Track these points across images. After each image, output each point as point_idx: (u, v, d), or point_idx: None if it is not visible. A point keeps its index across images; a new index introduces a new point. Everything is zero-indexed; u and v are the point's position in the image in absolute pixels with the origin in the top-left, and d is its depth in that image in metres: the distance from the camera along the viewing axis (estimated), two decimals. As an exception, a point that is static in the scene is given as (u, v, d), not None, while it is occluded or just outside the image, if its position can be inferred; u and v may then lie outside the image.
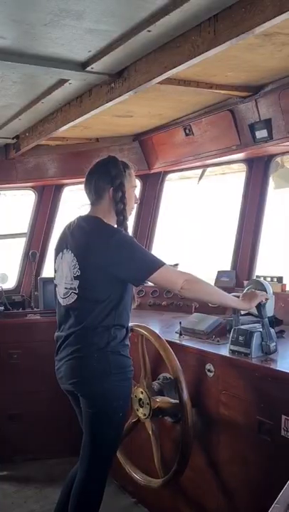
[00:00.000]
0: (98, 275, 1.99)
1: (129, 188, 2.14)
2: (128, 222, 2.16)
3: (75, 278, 2.01)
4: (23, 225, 4.17)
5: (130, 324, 2.27)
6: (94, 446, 2.06)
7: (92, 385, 2.01)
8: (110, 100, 2.31)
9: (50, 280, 3.14)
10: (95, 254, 1.99)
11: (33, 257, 4.01)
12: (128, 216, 2.15)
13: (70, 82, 2.30)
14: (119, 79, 2.22)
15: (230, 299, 2.20)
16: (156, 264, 2.01)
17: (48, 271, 4.03)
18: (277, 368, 2.03)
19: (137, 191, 3.92)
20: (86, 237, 2.06)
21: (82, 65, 2.12)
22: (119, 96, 2.25)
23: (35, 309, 3.78)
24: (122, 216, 2.10)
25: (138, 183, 2.25)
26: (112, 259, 1.97)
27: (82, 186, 2.17)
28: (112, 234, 2.03)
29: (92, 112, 2.51)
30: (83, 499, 2.08)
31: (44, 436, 3.32)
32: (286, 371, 1.97)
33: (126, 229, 2.11)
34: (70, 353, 2.05)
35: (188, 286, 2.03)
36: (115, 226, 2.11)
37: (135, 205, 2.26)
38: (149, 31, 1.77)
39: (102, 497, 2.10)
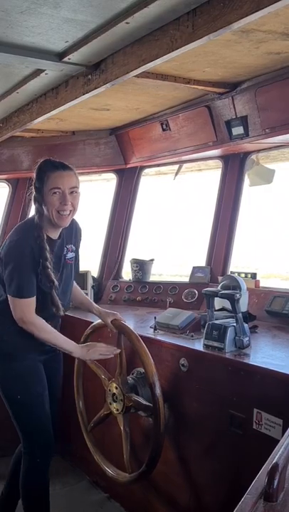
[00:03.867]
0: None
1: (47, 191, 2.15)
2: (56, 229, 2.24)
3: None
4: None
5: (110, 320, 2.42)
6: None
7: None
8: (87, 92, 2.29)
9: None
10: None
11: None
12: (54, 220, 2.17)
13: (46, 72, 2.26)
14: (96, 71, 2.19)
15: (66, 343, 2.26)
16: (14, 293, 2.15)
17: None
18: (250, 362, 2.05)
19: (113, 186, 3.95)
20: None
21: (59, 56, 2.09)
22: (96, 88, 2.23)
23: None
24: (38, 220, 2.18)
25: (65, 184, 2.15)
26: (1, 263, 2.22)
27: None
28: (8, 239, 2.22)
29: (69, 104, 2.48)
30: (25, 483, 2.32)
31: None
32: (259, 365, 2.00)
33: (39, 237, 2.15)
34: None
35: (25, 325, 2.17)
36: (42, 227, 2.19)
37: (68, 208, 2.18)
38: (127, 23, 1.76)
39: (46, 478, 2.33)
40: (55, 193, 2.15)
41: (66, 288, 2.36)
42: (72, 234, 2.38)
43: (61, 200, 2.15)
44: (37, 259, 2.15)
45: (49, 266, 2.17)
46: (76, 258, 2.43)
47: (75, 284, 2.51)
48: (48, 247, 2.17)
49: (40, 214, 2.18)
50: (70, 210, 2.18)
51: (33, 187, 2.20)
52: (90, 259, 3.59)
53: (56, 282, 2.21)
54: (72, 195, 2.18)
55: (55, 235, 2.27)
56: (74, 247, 2.37)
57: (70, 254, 2.34)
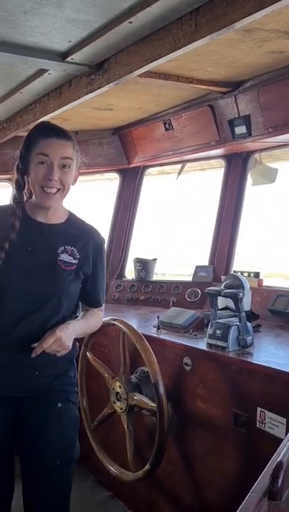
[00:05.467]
0: None
1: (32, 159, 1.74)
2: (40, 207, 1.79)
3: None
4: None
5: (112, 318, 2.35)
6: None
7: None
8: (90, 92, 2.29)
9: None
10: None
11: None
12: (38, 199, 1.76)
13: (49, 72, 2.27)
14: (100, 70, 2.20)
15: None
16: None
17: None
18: (254, 361, 2.05)
19: (116, 185, 3.95)
20: None
21: (62, 56, 2.10)
22: (99, 88, 2.23)
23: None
24: (16, 194, 1.80)
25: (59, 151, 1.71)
26: None
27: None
28: None
29: (72, 104, 2.48)
30: None
31: None
32: (262, 364, 2.00)
33: (5, 211, 1.77)
34: None
35: None
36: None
37: (54, 185, 1.72)
38: (130, 23, 1.76)
39: None
40: (41, 162, 1.71)
41: (35, 304, 1.74)
42: (81, 240, 1.84)
43: (47, 173, 1.71)
44: None
45: (8, 235, 1.71)
46: (84, 275, 1.84)
47: (89, 314, 1.95)
48: (17, 224, 1.73)
49: (20, 187, 1.78)
50: (58, 189, 1.73)
51: (18, 153, 1.80)
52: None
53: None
54: (63, 169, 1.73)
55: (45, 218, 1.82)
56: (78, 255, 1.81)
57: (67, 258, 1.79)
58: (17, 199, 1.80)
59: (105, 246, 1.97)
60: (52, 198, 1.74)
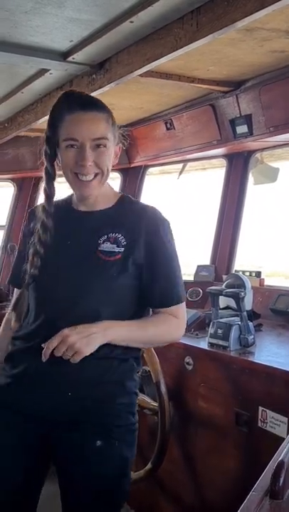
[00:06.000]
0: None
1: (61, 143, 1.44)
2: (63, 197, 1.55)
3: None
4: (1, 217, 4.12)
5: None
6: None
7: None
8: (91, 92, 2.29)
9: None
10: None
11: (11, 250, 3.97)
12: (73, 189, 1.49)
13: (50, 72, 2.27)
14: (101, 70, 2.20)
15: None
16: None
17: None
18: (255, 361, 2.05)
19: (118, 185, 3.95)
20: None
21: (64, 55, 2.10)
22: (101, 87, 2.23)
23: (13, 303, 3.73)
24: (46, 186, 1.50)
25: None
26: None
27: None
28: None
29: (73, 104, 2.49)
30: None
31: None
32: (263, 363, 2.00)
33: (47, 207, 1.48)
34: None
35: None
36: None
37: (89, 171, 1.42)
38: (131, 22, 1.76)
39: None
40: (69, 146, 1.41)
41: (71, 296, 1.40)
42: (129, 222, 1.47)
43: (78, 158, 1.40)
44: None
45: (40, 237, 1.45)
46: (136, 266, 1.43)
47: (152, 318, 1.50)
48: (49, 223, 1.46)
49: (50, 177, 1.48)
50: (96, 174, 1.43)
51: (44, 136, 1.50)
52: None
53: (33, 270, 1.43)
54: (97, 150, 1.41)
55: (88, 207, 1.52)
56: (124, 242, 1.43)
57: (109, 247, 1.43)
58: (47, 192, 1.49)
59: (170, 228, 1.52)
60: (89, 185, 1.43)
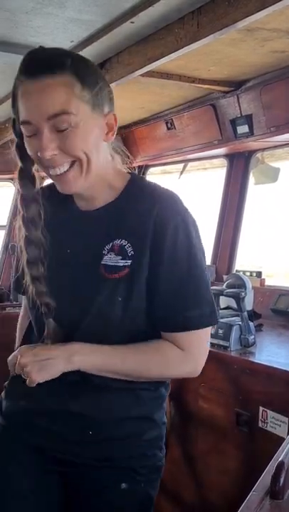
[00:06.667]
0: None
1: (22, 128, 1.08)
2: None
3: None
4: (2, 217, 4.12)
5: None
6: None
7: None
8: (92, 92, 2.29)
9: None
10: None
11: (12, 250, 3.97)
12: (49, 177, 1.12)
13: (51, 72, 2.27)
14: (102, 70, 2.20)
15: None
16: None
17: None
18: (256, 361, 2.06)
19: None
20: None
21: (64, 56, 2.10)
22: (101, 88, 2.23)
23: (14, 303, 3.74)
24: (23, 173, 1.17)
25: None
26: None
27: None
28: None
29: (74, 104, 2.49)
30: None
31: None
32: (264, 363, 2.00)
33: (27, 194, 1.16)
34: None
35: None
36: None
37: (54, 162, 1.05)
38: (132, 22, 1.76)
39: None
40: (28, 134, 1.07)
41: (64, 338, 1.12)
42: (137, 221, 1.11)
43: (37, 147, 1.04)
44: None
45: (30, 229, 1.15)
46: (145, 283, 1.09)
47: (144, 344, 1.13)
48: (44, 202, 1.15)
49: (24, 175, 1.19)
50: (73, 162, 1.06)
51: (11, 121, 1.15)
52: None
53: (26, 270, 1.17)
54: (62, 133, 1.03)
55: (86, 203, 1.19)
56: (132, 251, 1.09)
57: (113, 259, 1.10)
58: (23, 195, 1.16)
59: (187, 224, 1.12)
60: (65, 180, 1.08)
